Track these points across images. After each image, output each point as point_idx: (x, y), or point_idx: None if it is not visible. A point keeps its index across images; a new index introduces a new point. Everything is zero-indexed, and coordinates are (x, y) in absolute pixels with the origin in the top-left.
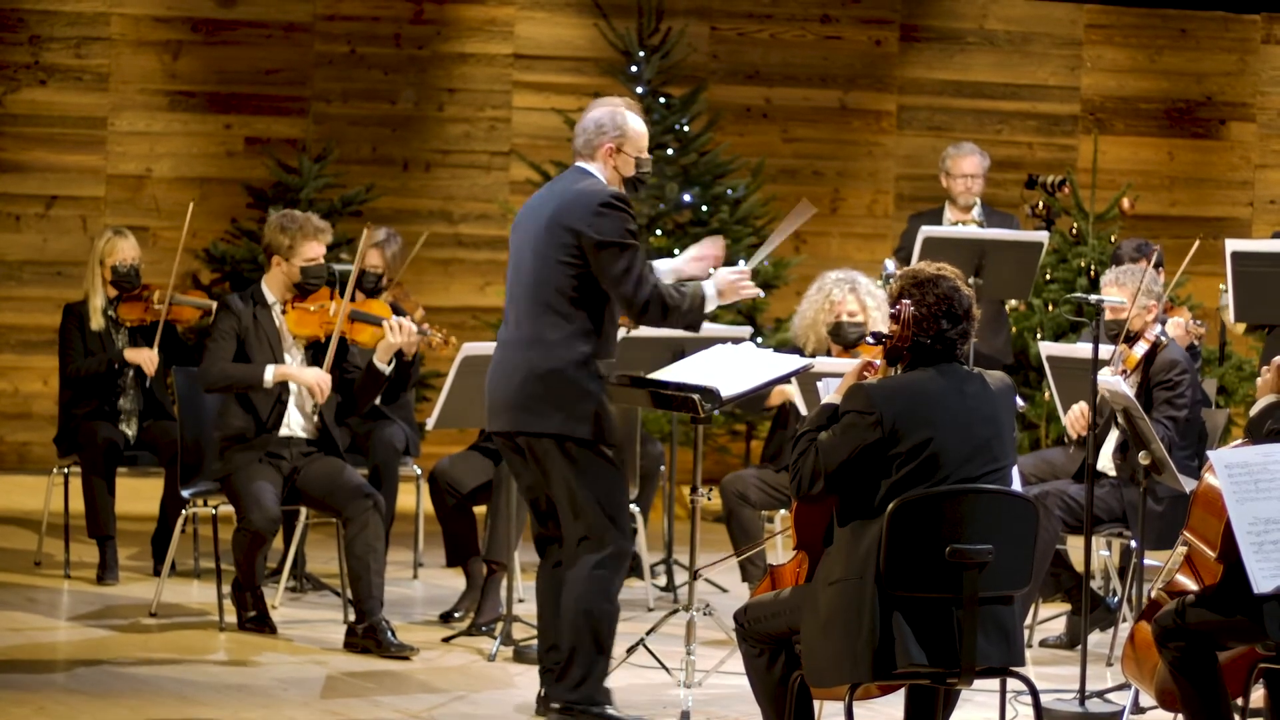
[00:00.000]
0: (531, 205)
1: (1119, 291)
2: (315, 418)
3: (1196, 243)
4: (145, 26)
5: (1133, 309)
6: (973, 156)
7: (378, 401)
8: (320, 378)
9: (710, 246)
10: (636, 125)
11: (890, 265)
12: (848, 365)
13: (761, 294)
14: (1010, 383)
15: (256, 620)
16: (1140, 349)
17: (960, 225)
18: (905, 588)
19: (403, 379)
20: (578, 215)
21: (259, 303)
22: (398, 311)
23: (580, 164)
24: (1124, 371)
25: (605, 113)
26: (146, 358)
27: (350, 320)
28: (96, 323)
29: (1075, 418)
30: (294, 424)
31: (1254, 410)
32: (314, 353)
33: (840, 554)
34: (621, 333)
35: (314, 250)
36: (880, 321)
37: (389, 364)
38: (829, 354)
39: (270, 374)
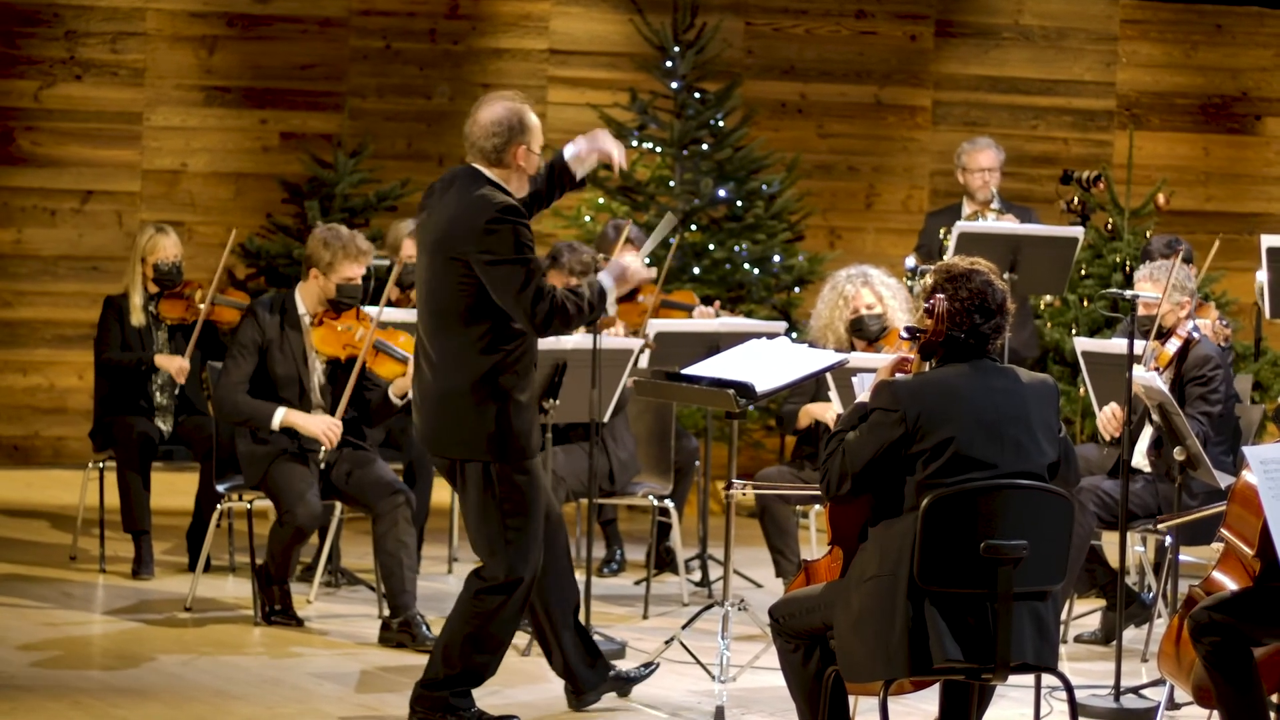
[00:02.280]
0: (427, 215)
1: (1153, 288)
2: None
3: (1216, 243)
4: (181, 21)
5: (1164, 305)
6: (989, 150)
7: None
8: (329, 426)
9: (602, 141)
10: (534, 119)
11: (911, 262)
12: (883, 360)
13: (653, 275)
14: (1053, 383)
15: (282, 614)
16: (1173, 345)
17: (980, 218)
18: (940, 583)
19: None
20: (465, 236)
21: (288, 314)
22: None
23: (475, 165)
24: (1156, 368)
25: (505, 112)
26: (177, 367)
27: (375, 350)
28: (137, 319)
29: (1108, 419)
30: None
31: None
32: (333, 370)
33: (874, 551)
34: (656, 326)
35: (353, 270)
36: (898, 311)
37: (403, 399)
38: (852, 350)
39: (278, 420)
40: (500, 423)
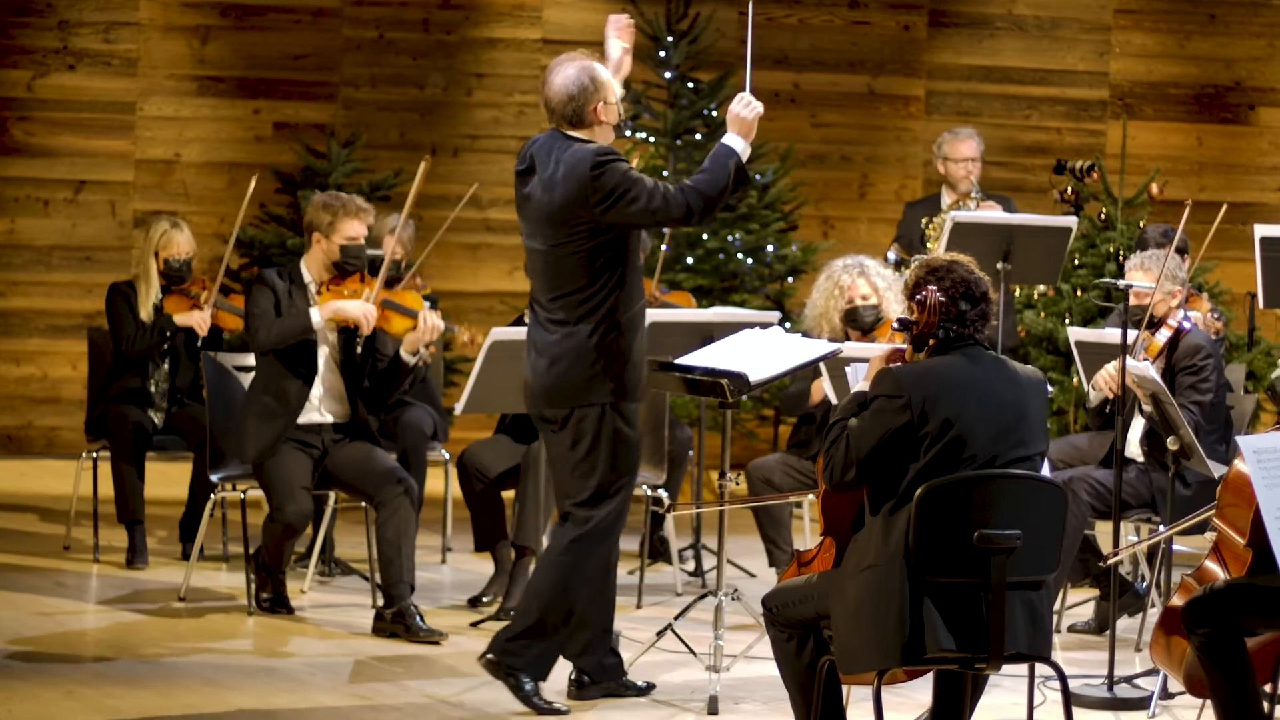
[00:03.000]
0: (530, 188)
1: (1144, 276)
2: (345, 402)
3: (1220, 214)
4: (174, 11)
5: (1157, 294)
6: (971, 140)
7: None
8: (366, 309)
9: (612, 25)
10: (604, 72)
11: (893, 255)
12: (876, 350)
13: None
14: (1041, 376)
15: (273, 602)
16: (1163, 335)
17: (961, 208)
18: (934, 572)
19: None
20: (578, 195)
21: (295, 282)
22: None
23: (558, 129)
24: (1144, 357)
25: (576, 73)
26: (198, 319)
27: (383, 308)
28: (145, 313)
29: (1108, 378)
30: (325, 409)
31: (1276, 374)
32: (344, 337)
33: (871, 541)
34: (652, 316)
35: (355, 229)
36: (894, 302)
37: (415, 355)
38: (846, 339)
39: (317, 315)
40: (620, 365)
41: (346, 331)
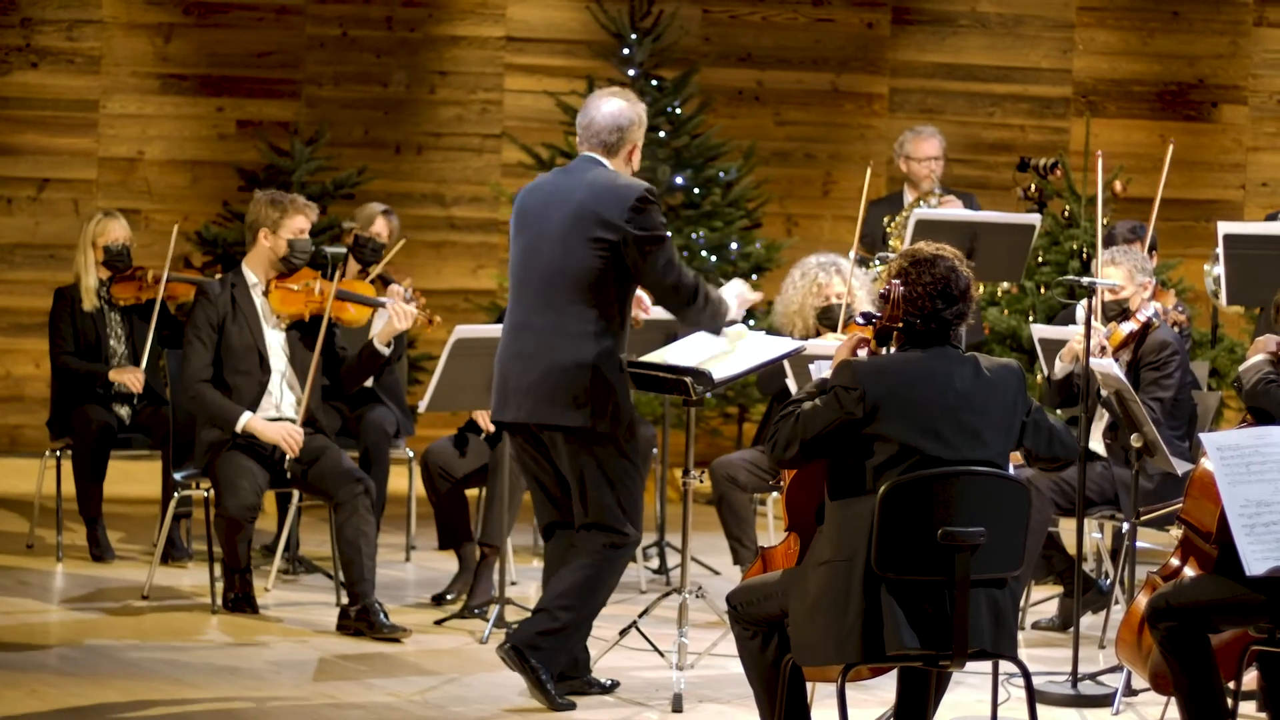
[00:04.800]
0: (548, 192)
1: (1114, 270)
2: (303, 401)
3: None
4: (137, 9)
5: (1128, 288)
6: (934, 139)
7: (369, 383)
8: (289, 433)
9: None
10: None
11: (853, 255)
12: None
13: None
14: (1017, 367)
15: (239, 600)
16: (1128, 326)
17: (923, 205)
18: (897, 570)
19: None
20: (615, 211)
21: (238, 285)
22: (388, 282)
23: (592, 154)
24: (1103, 349)
25: (629, 110)
26: (130, 377)
27: (337, 299)
28: (90, 303)
29: (1075, 350)
30: (284, 405)
31: (1242, 367)
32: (299, 332)
33: (829, 535)
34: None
35: (301, 224)
36: (867, 301)
37: (388, 345)
38: (817, 336)
39: (241, 424)
40: (623, 397)
41: (300, 326)
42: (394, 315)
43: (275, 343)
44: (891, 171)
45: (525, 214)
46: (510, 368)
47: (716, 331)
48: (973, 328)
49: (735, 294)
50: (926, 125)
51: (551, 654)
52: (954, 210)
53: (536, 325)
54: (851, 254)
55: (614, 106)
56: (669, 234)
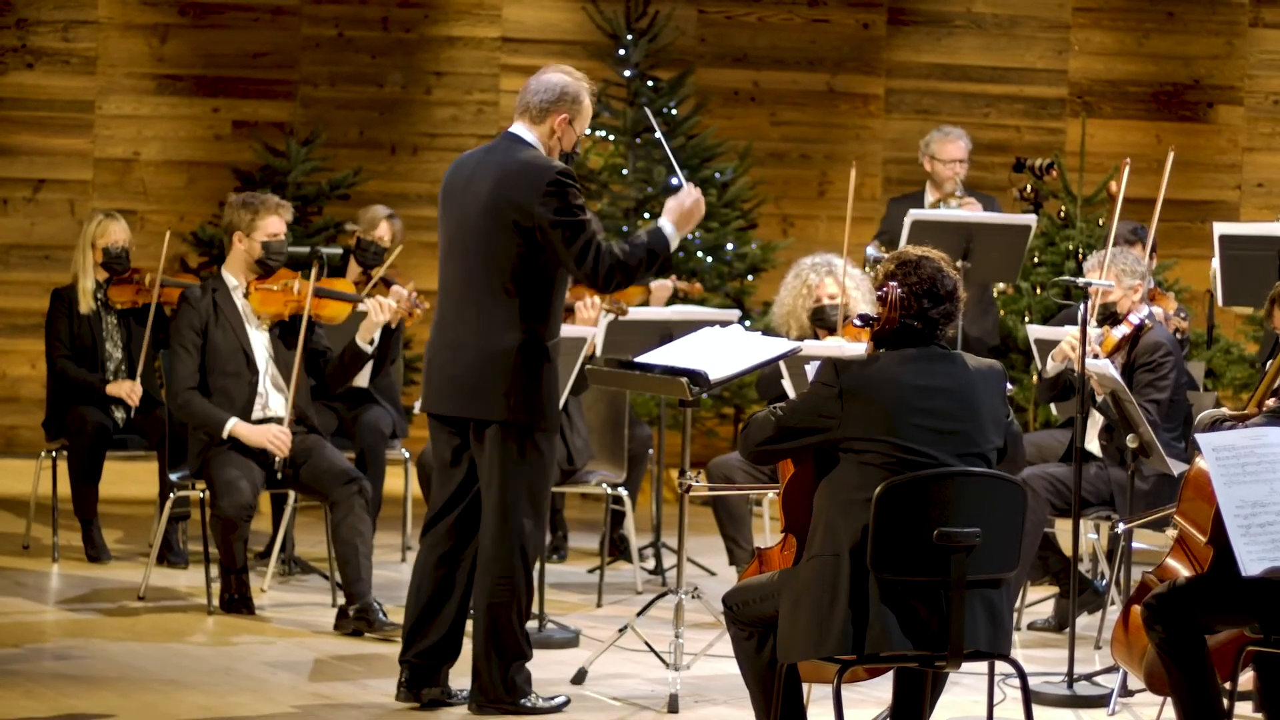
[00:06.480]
0: (470, 173)
1: (1102, 273)
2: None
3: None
4: (132, 10)
5: (1117, 291)
6: (959, 141)
7: (365, 384)
8: (274, 435)
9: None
10: (590, 103)
11: (872, 250)
12: (836, 348)
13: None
14: (1000, 368)
15: (236, 601)
16: (1120, 331)
17: (943, 205)
18: (893, 571)
19: (383, 353)
20: (526, 194)
21: (220, 289)
22: (390, 285)
23: (518, 128)
24: (1095, 354)
25: (567, 81)
26: (127, 390)
27: (316, 296)
28: (86, 305)
29: (1068, 348)
30: (273, 405)
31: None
32: (280, 331)
33: (818, 531)
34: (609, 318)
35: (275, 225)
36: (861, 302)
37: (370, 343)
38: (815, 338)
39: (228, 429)
40: (538, 386)
41: (281, 326)
42: (371, 309)
43: (260, 344)
44: (887, 172)
45: (449, 196)
46: (437, 358)
47: (663, 275)
48: (989, 330)
49: (672, 223)
50: (955, 127)
51: (516, 680)
52: (949, 211)
53: (462, 315)
54: (869, 249)
55: (553, 74)
56: (588, 217)
